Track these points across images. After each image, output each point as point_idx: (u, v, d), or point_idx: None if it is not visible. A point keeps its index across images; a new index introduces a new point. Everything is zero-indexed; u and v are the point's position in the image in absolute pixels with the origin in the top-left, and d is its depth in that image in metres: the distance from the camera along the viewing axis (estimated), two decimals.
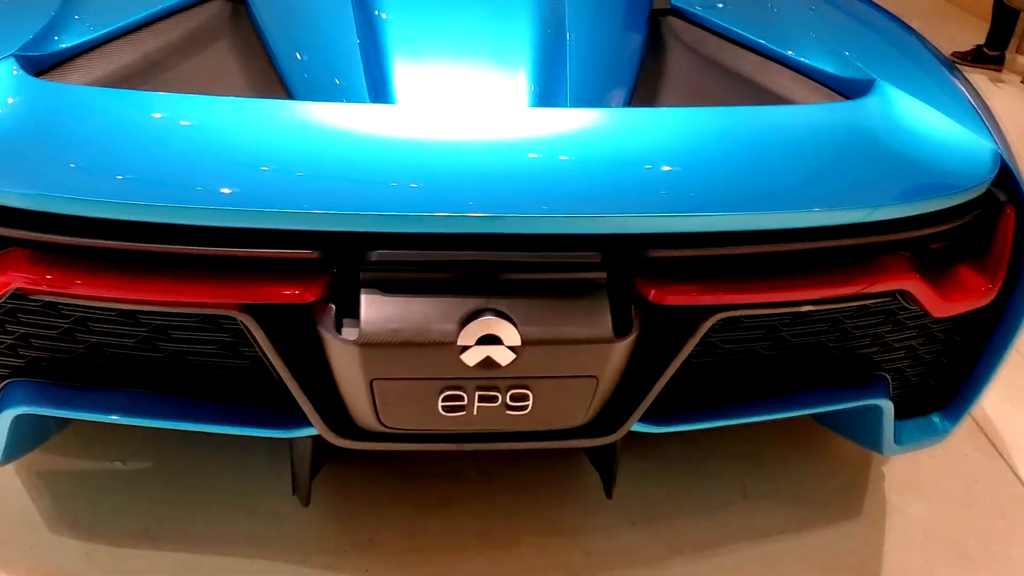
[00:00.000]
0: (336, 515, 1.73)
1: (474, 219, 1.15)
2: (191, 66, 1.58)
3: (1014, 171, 1.43)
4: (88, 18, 1.59)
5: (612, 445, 1.58)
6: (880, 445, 1.61)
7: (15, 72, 1.34)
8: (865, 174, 1.33)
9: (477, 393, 1.24)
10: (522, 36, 1.56)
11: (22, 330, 1.32)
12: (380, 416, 1.26)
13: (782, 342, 1.43)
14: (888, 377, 1.52)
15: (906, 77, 1.56)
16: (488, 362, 1.21)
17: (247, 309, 1.21)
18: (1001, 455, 2.02)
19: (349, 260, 1.22)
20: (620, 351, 1.24)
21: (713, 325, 1.30)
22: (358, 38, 1.52)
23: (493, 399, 1.25)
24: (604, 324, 1.21)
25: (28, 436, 1.50)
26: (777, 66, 1.67)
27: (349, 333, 1.19)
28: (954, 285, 1.41)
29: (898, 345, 1.51)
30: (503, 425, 1.28)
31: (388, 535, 1.70)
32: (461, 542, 1.69)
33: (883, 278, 1.32)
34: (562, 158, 1.22)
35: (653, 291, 1.24)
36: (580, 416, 1.30)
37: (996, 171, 1.39)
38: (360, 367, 1.20)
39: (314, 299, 1.20)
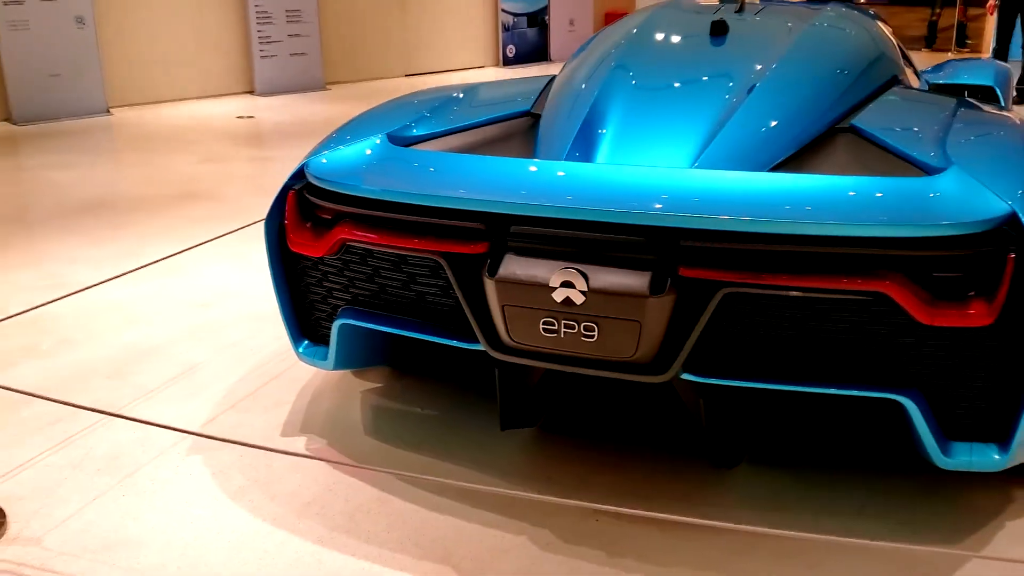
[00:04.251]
0: (533, 460, 2.46)
1: (572, 209, 1.92)
2: (487, 148, 2.54)
3: None
4: (437, 121, 2.65)
5: (729, 426, 2.14)
6: (927, 453, 1.96)
7: (379, 141, 2.42)
8: (877, 210, 1.84)
9: (563, 321, 1.95)
10: (689, 122, 2.29)
11: (347, 275, 2.33)
12: (509, 332, 2.03)
13: (814, 331, 1.92)
14: (919, 385, 1.90)
15: (978, 165, 2.00)
16: (568, 301, 1.92)
17: (445, 256, 2.08)
18: None
19: (502, 232, 2.04)
20: (655, 305, 1.87)
21: (740, 306, 1.88)
22: (574, 138, 2.36)
23: (572, 328, 1.95)
24: (642, 284, 1.87)
25: (351, 354, 2.48)
26: (895, 159, 2.18)
27: (493, 274, 1.99)
28: (945, 301, 1.81)
29: (926, 358, 1.90)
30: (581, 349, 1.97)
31: (562, 478, 2.38)
32: (612, 497, 2.30)
33: (862, 280, 1.79)
34: (641, 185, 1.96)
35: (681, 267, 1.88)
36: (631, 351, 1.93)
37: (989, 225, 1.80)
38: (497, 295, 1.99)
39: (479, 252, 2.03)
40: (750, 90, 2.44)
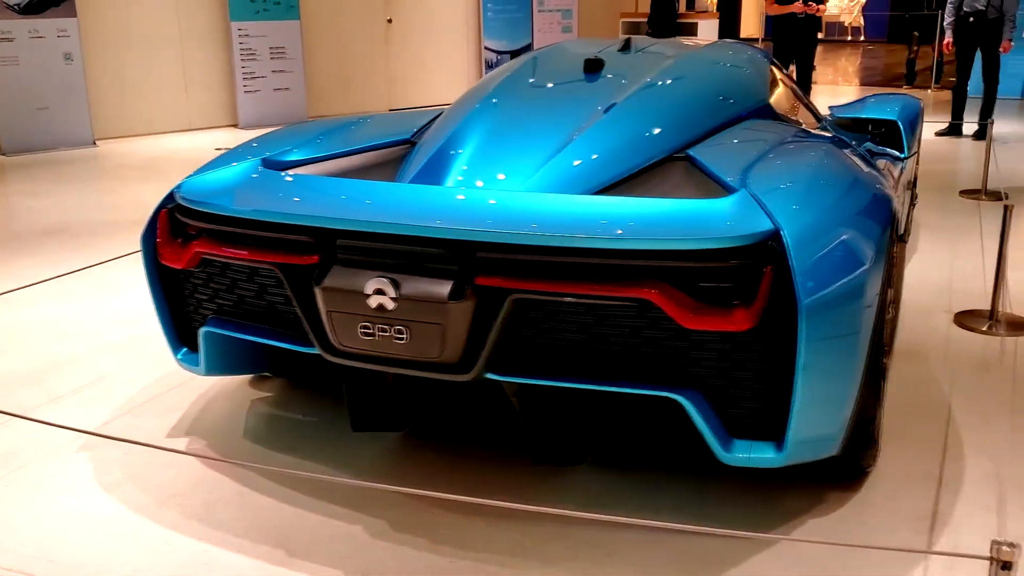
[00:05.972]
0: (390, 459, 2.67)
1: (384, 224, 2.14)
2: (360, 173, 2.76)
3: (788, 248, 2.01)
4: (318, 147, 2.88)
5: (550, 425, 2.34)
6: (712, 448, 2.15)
7: (254, 160, 2.66)
8: (647, 226, 2.05)
9: (378, 325, 2.16)
10: (530, 149, 2.52)
11: (212, 287, 2.56)
12: (337, 336, 2.24)
13: (597, 334, 2.12)
14: (697, 386, 2.10)
15: (766, 188, 2.21)
16: (381, 307, 2.14)
17: (282, 267, 2.30)
18: None
19: (329, 245, 2.25)
20: (455, 309, 2.08)
21: (531, 311, 2.10)
22: (425, 163, 2.60)
23: (386, 331, 2.16)
24: (443, 291, 2.09)
25: (222, 360, 2.68)
26: (711, 184, 2.40)
27: (319, 283, 2.21)
28: (708, 307, 2.01)
29: (699, 360, 2.09)
30: (395, 350, 2.18)
31: (411, 474, 2.58)
32: (451, 490, 2.49)
33: (628, 288, 2.00)
34: (444, 203, 2.19)
35: (478, 276, 2.09)
36: (437, 352, 2.14)
37: (753, 240, 2.00)
38: (323, 302, 2.21)
39: (310, 263, 2.25)
40: (593, 121, 2.66)
